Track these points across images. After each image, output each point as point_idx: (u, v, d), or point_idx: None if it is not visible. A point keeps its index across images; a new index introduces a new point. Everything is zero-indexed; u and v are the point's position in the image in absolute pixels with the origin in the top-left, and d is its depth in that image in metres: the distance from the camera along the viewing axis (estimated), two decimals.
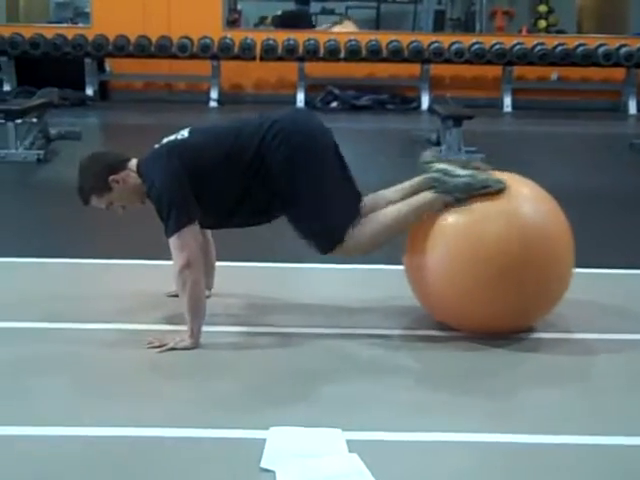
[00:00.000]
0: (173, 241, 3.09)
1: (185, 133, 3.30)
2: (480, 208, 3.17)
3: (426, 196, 3.25)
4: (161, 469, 2.31)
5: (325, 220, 3.23)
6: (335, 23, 14.02)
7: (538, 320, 3.35)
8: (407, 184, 3.40)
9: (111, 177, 3.21)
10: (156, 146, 3.31)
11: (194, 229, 3.12)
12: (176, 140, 3.27)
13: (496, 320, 3.21)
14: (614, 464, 2.39)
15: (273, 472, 2.27)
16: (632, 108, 12.19)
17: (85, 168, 3.27)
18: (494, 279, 3.10)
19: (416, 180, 3.37)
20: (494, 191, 3.19)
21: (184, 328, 3.13)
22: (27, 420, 2.56)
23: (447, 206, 3.20)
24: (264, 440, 2.42)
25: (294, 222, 3.27)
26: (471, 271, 3.12)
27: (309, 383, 2.88)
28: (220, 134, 3.33)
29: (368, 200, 3.39)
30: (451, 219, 3.19)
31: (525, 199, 3.22)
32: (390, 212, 3.29)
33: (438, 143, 8.13)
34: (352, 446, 2.40)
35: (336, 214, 3.25)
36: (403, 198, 3.33)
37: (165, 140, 3.31)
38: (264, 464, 2.30)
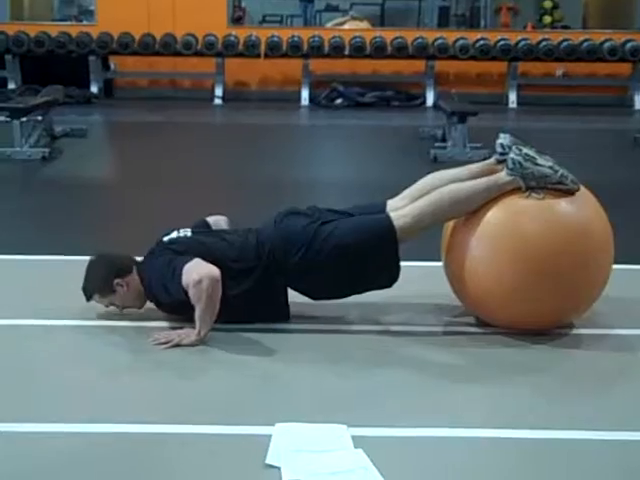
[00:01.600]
0: (184, 272, 3.06)
1: (188, 232, 3.35)
2: (522, 205, 3.16)
3: (501, 177, 3.20)
4: (166, 466, 2.31)
5: (359, 235, 3.20)
6: (346, 20, 13.94)
7: (578, 317, 3.34)
8: (478, 165, 3.37)
9: (116, 281, 3.26)
10: (155, 246, 3.34)
11: (197, 260, 3.11)
12: (178, 237, 3.32)
13: (537, 317, 3.21)
14: None
15: (279, 468, 2.27)
16: (638, 103, 12.16)
17: (93, 268, 3.32)
18: (534, 276, 3.10)
19: (488, 162, 3.34)
20: (566, 189, 3.16)
21: (189, 325, 3.13)
22: (30, 417, 2.56)
23: (515, 191, 3.17)
24: (270, 436, 2.42)
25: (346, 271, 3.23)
26: (512, 268, 3.12)
27: (315, 379, 2.88)
28: (225, 238, 3.33)
29: (431, 179, 3.37)
30: (493, 216, 3.17)
31: (565, 196, 3.19)
32: (459, 188, 3.23)
33: (443, 139, 8.12)
34: (357, 442, 2.40)
35: (360, 223, 3.24)
36: (474, 177, 3.29)
37: (165, 238, 3.34)
38: (270, 460, 2.30)
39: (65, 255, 4.27)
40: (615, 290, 3.39)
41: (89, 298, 3.32)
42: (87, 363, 2.99)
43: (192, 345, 3.08)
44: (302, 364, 3.00)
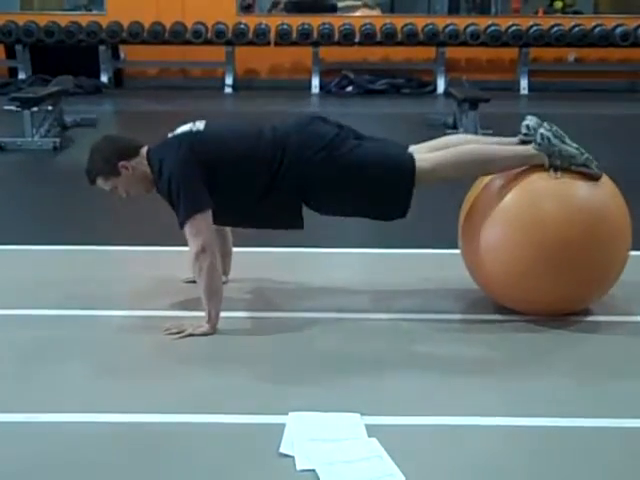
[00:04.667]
0: (187, 229, 3.08)
1: (201, 126, 3.27)
2: (538, 190, 3.15)
3: (528, 149, 3.19)
4: (179, 456, 2.31)
5: (381, 160, 3.17)
6: (358, 7, 13.85)
7: (595, 302, 3.33)
8: (501, 139, 3.34)
9: (121, 163, 3.20)
10: (169, 135, 3.30)
11: (207, 216, 3.11)
12: (191, 131, 3.24)
13: (553, 302, 3.20)
14: None
15: (292, 457, 2.26)
16: None
17: (97, 149, 3.26)
18: (553, 261, 3.09)
19: (511, 139, 3.31)
20: (590, 174, 3.15)
21: (201, 314, 3.13)
22: (43, 407, 2.56)
23: (534, 173, 3.15)
24: (283, 425, 2.41)
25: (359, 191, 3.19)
26: (529, 252, 3.11)
27: (328, 367, 2.87)
28: (239, 131, 3.30)
29: (456, 138, 3.39)
30: (510, 201, 3.16)
31: (581, 180, 3.17)
32: (483, 147, 3.23)
33: (455, 126, 8.09)
34: (371, 431, 2.39)
35: (384, 150, 3.22)
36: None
37: (179, 130, 3.28)
38: (283, 449, 2.30)
39: (76, 245, 4.28)
40: (632, 276, 3.37)
41: (92, 182, 3.25)
42: (98, 353, 2.99)
43: (204, 335, 3.08)
44: (315, 352, 3.00)
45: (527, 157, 3.18)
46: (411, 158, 3.18)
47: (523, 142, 3.25)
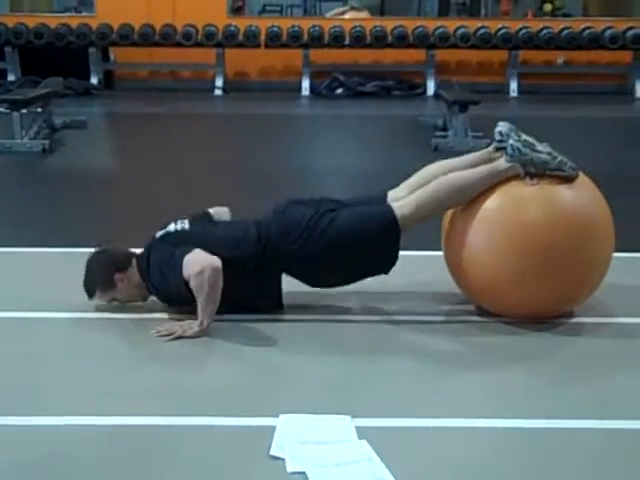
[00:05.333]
0: (184, 264, 3.07)
1: (186, 225, 3.33)
2: (521, 194, 3.16)
3: (500, 164, 3.21)
4: (170, 458, 2.31)
5: (361, 224, 3.22)
6: (345, 10, 13.87)
7: (579, 304, 3.34)
8: (477, 153, 3.37)
9: (117, 275, 3.26)
10: (156, 235, 3.33)
11: (198, 250, 3.11)
12: (176, 231, 3.30)
13: (536, 305, 3.21)
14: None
15: (283, 459, 2.27)
16: (639, 91, 12.12)
17: (92, 265, 3.31)
18: (535, 264, 3.10)
19: (487, 150, 3.34)
20: (565, 176, 3.17)
21: (192, 316, 3.12)
22: (38, 410, 2.56)
23: (514, 178, 3.18)
24: (274, 427, 2.41)
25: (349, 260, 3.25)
26: (512, 256, 3.11)
27: (318, 370, 2.87)
28: (223, 229, 3.35)
29: (430, 169, 3.38)
30: (492, 203, 3.17)
31: (565, 184, 3.19)
32: (458, 176, 3.24)
33: (444, 129, 8.10)
34: (361, 433, 2.40)
35: (362, 213, 3.25)
36: (474, 166, 3.29)
37: (159, 233, 3.33)
38: (274, 451, 2.30)
39: (66, 247, 4.27)
40: (615, 278, 3.39)
41: (91, 295, 3.32)
42: (89, 356, 2.98)
43: (195, 337, 3.08)
44: (305, 355, 3.00)
45: (502, 172, 3.20)
46: (390, 210, 3.22)
47: (498, 149, 3.28)
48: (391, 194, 3.35)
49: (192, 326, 3.10)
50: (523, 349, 3.06)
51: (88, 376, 2.82)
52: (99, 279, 3.29)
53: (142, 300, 3.36)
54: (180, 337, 3.08)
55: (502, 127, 3.28)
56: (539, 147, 3.21)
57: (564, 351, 3.07)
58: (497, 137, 3.29)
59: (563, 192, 3.17)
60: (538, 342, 3.11)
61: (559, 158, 3.19)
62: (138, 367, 2.90)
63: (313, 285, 3.37)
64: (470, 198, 3.23)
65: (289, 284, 3.35)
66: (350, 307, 3.44)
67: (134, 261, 3.31)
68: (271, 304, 3.34)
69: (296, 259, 3.23)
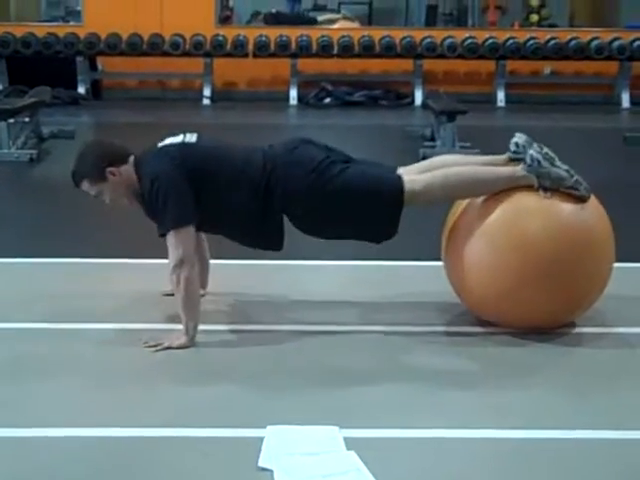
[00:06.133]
0: (169, 239, 3.08)
1: (193, 138, 3.28)
2: (522, 203, 3.16)
3: (517, 170, 3.19)
4: (159, 469, 2.30)
5: (369, 183, 3.18)
6: (337, 19, 13.90)
7: (579, 315, 3.34)
8: (489, 157, 3.35)
9: (109, 168, 3.18)
10: (159, 145, 3.29)
11: (190, 229, 3.11)
12: (183, 143, 3.25)
13: (537, 316, 3.20)
14: None
15: (271, 471, 2.26)
16: (625, 101, 12.17)
17: (86, 152, 3.25)
18: (536, 275, 3.10)
19: (501, 157, 3.31)
20: (578, 195, 3.15)
21: (180, 327, 3.12)
22: (25, 422, 2.55)
23: (518, 190, 3.16)
24: (262, 439, 2.41)
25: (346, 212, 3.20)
26: (513, 267, 3.11)
27: (307, 380, 2.87)
28: (230, 149, 3.33)
29: (443, 158, 3.40)
30: (493, 214, 3.16)
31: (567, 198, 3.18)
32: (473, 169, 3.23)
33: (432, 138, 8.12)
34: (349, 444, 2.39)
35: (372, 172, 3.22)
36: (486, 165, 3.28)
37: (169, 141, 3.29)
38: (262, 463, 2.30)
39: (53, 258, 4.25)
40: (615, 288, 3.39)
41: (77, 185, 3.22)
42: (77, 367, 2.97)
43: (182, 348, 3.07)
44: (293, 365, 3.00)
45: (516, 178, 3.18)
46: (400, 180, 3.18)
47: (512, 160, 3.26)
48: (401, 170, 3.32)
49: (179, 337, 3.10)
50: (523, 360, 3.07)
51: (74, 387, 2.80)
52: (89, 168, 3.18)
53: (129, 204, 3.26)
54: (168, 348, 3.07)
55: (518, 138, 3.27)
56: (558, 162, 3.19)
57: (565, 361, 3.08)
58: (512, 148, 3.27)
59: (565, 206, 3.16)
60: (538, 353, 3.12)
61: (575, 177, 3.17)
62: (124, 379, 2.89)
63: (305, 231, 3.29)
64: (478, 195, 3.22)
65: (281, 289, 3.33)
66: (344, 317, 3.43)
67: (131, 159, 3.23)
68: (270, 242, 3.29)
69: (295, 198, 3.17)
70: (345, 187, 3.16)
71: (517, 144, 3.26)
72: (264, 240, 3.30)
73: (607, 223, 3.26)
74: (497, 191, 3.19)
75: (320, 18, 13.92)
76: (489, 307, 3.28)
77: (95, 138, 3.39)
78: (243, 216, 3.20)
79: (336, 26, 13.40)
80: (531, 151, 3.19)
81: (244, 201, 3.17)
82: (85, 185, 3.21)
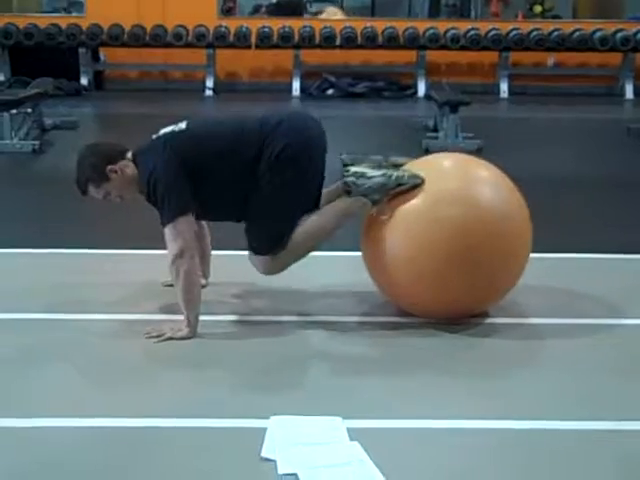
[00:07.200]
0: (167, 231, 3.08)
1: (183, 125, 3.28)
2: (437, 192, 3.16)
3: (343, 201, 3.25)
4: (161, 459, 2.30)
5: (281, 227, 3.24)
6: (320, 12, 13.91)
7: (493, 305, 3.34)
8: (331, 188, 3.37)
9: (109, 167, 3.19)
10: (153, 137, 3.29)
11: (189, 219, 3.11)
12: (173, 132, 3.25)
13: (452, 305, 3.21)
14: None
15: (274, 461, 2.26)
16: (629, 93, 12.14)
17: (83, 158, 3.25)
18: (450, 263, 3.10)
19: (332, 187, 3.36)
20: (409, 187, 3.18)
21: (181, 318, 3.12)
22: (26, 412, 2.55)
23: (365, 208, 3.22)
24: (265, 429, 2.41)
25: (255, 216, 3.25)
26: (427, 255, 3.11)
27: (309, 371, 2.87)
28: (220, 127, 3.32)
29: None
30: (407, 203, 3.17)
31: (482, 182, 3.22)
32: (308, 224, 3.26)
33: (435, 129, 8.11)
34: (353, 434, 2.39)
35: (291, 224, 3.26)
36: (330, 200, 3.31)
37: (162, 131, 3.29)
38: (265, 453, 2.30)
39: (54, 249, 4.25)
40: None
41: (84, 192, 3.25)
42: (79, 357, 2.97)
43: (184, 338, 3.07)
44: (296, 355, 3.00)
45: (350, 208, 3.25)
46: (278, 249, 3.25)
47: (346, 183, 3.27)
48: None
49: (181, 328, 3.10)
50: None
51: (76, 377, 2.81)
52: (91, 172, 3.20)
53: (140, 194, 3.26)
54: (170, 339, 3.07)
55: (343, 160, 3.31)
56: (372, 172, 3.22)
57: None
58: (344, 172, 3.29)
59: (480, 191, 3.19)
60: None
61: (395, 174, 3.19)
62: (126, 370, 2.89)
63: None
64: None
65: (282, 279, 3.33)
66: (346, 307, 3.44)
67: (128, 155, 3.25)
68: None
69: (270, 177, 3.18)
70: (268, 205, 3.21)
71: (345, 165, 3.28)
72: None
73: (525, 211, 3.26)
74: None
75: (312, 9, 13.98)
76: (404, 296, 3.28)
77: (88, 143, 3.37)
78: (240, 186, 3.20)
79: (323, 15, 13.42)
80: (345, 179, 3.24)
81: (239, 172, 3.18)
82: (91, 190, 3.24)
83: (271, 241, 3.24)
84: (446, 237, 3.09)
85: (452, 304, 3.20)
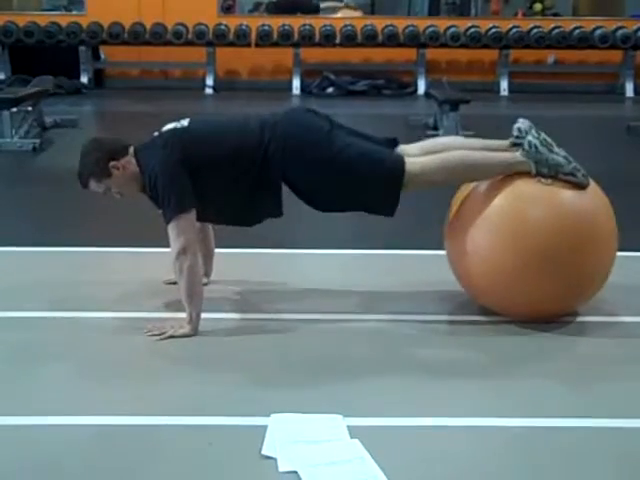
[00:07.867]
0: (171, 228, 3.08)
1: (185, 122, 3.27)
2: (525, 191, 3.14)
3: (515, 156, 3.17)
4: (162, 457, 2.30)
5: (370, 161, 3.16)
6: (339, 8, 13.86)
7: (582, 304, 3.33)
8: (494, 142, 3.32)
9: (112, 163, 3.19)
10: (155, 134, 3.29)
11: (191, 216, 3.11)
12: (175, 129, 3.25)
13: (541, 305, 3.19)
14: None
15: (274, 459, 2.26)
16: (629, 91, 12.16)
17: (86, 152, 3.25)
18: (539, 263, 3.07)
19: (504, 142, 3.29)
20: (576, 182, 3.14)
21: (183, 315, 3.12)
22: (28, 410, 2.55)
23: (521, 176, 3.14)
24: (265, 427, 2.41)
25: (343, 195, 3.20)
26: (516, 255, 3.09)
27: (310, 369, 2.87)
28: (223, 126, 3.31)
29: (445, 140, 3.39)
30: (495, 202, 3.14)
31: (570, 186, 3.16)
32: (471, 154, 3.20)
33: (435, 127, 8.11)
34: (353, 432, 2.39)
35: (374, 151, 3.19)
36: (487, 150, 3.26)
37: (164, 129, 3.29)
38: (265, 451, 2.30)
39: (55, 247, 4.25)
40: (618, 277, 3.38)
41: (85, 186, 3.25)
42: (80, 355, 2.98)
43: (186, 336, 3.07)
44: (297, 353, 3.00)
45: (514, 164, 3.16)
46: (401, 160, 3.17)
47: (514, 145, 3.24)
48: (403, 147, 3.32)
49: (183, 325, 3.10)
50: (526, 349, 3.05)
51: (77, 375, 2.81)
52: (93, 167, 3.20)
53: (140, 191, 3.26)
54: (171, 336, 3.07)
55: (521, 124, 3.25)
56: (556, 149, 3.18)
57: (567, 352, 3.06)
58: (515, 133, 3.25)
59: (568, 194, 3.14)
60: (541, 343, 3.10)
61: (573, 164, 3.15)
62: (127, 367, 2.89)
63: (309, 202, 3.26)
64: (475, 179, 3.22)
65: (284, 278, 3.33)
66: (347, 306, 3.43)
67: (131, 150, 3.25)
68: (270, 211, 3.29)
69: (299, 167, 3.16)
70: (346, 164, 3.14)
71: (520, 129, 3.24)
72: (265, 209, 3.28)
73: (610, 211, 3.25)
74: (496, 175, 3.18)
75: (323, 5, 13.86)
76: (490, 296, 3.27)
77: (92, 137, 3.37)
78: (242, 187, 3.18)
79: (338, 15, 13.37)
80: (529, 137, 3.17)
81: (241, 173, 3.16)
82: (92, 184, 3.23)
83: (384, 179, 3.16)
84: (533, 238, 3.05)
85: (540, 305, 3.18)
